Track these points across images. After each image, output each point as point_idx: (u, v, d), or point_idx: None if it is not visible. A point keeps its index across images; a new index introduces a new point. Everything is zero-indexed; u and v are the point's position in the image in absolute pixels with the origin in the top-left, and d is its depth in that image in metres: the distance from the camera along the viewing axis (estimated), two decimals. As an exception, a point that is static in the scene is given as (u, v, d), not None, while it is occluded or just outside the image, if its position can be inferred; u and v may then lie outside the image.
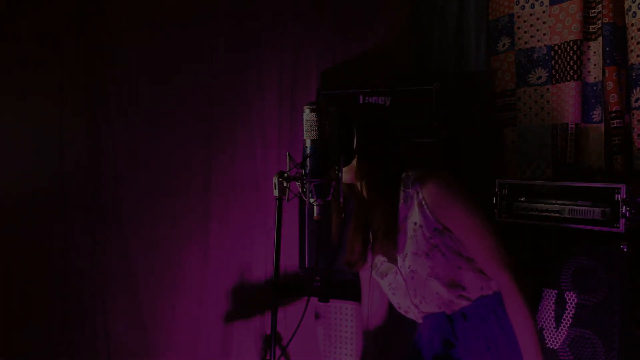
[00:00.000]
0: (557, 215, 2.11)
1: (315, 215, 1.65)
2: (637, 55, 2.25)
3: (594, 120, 2.40)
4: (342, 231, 1.78)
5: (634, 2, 2.25)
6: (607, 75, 2.33)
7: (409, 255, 1.76)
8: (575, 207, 2.07)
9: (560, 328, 2.01)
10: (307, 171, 1.62)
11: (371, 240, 1.84)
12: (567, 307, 1.99)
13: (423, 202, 1.72)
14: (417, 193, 1.73)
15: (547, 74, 2.53)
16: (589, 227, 2.01)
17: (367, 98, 2.46)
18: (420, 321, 1.89)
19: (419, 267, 1.75)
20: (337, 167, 1.65)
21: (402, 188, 1.76)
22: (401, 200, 1.76)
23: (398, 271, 1.81)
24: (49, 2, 2.23)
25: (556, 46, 2.48)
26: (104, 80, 2.35)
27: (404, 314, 1.90)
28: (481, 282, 1.77)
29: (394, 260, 1.81)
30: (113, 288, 2.40)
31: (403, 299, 1.84)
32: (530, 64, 2.57)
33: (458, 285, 1.76)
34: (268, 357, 1.71)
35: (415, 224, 1.74)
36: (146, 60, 2.43)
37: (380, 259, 1.84)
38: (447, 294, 1.77)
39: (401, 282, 1.81)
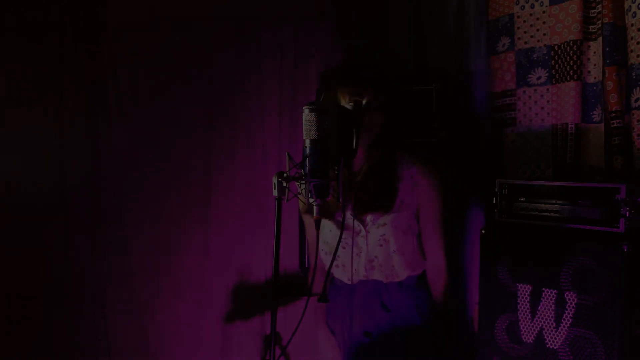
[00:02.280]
0: (557, 215, 2.11)
1: (315, 215, 1.65)
2: (637, 55, 2.25)
3: (594, 120, 2.40)
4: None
5: (634, 2, 2.24)
6: (607, 75, 2.33)
7: (387, 225, 1.90)
8: (575, 207, 2.07)
9: (560, 328, 2.01)
10: (307, 171, 1.62)
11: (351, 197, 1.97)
12: (567, 307, 1.99)
13: (415, 186, 1.90)
14: (412, 176, 1.91)
15: (547, 74, 2.53)
16: (589, 227, 2.01)
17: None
18: (350, 283, 2.02)
19: (392, 239, 1.91)
20: (336, 167, 1.66)
21: (398, 166, 1.94)
22: (398, 177, 1.93)
23: (365, 234, 1.93)
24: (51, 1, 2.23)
25: (556, 46, 2.48)
26: (104, 80, 2.35)
27: (332, 269, 2.02)
28: (418, 263, 2.00)
29: (362, 222, 1.94)
30: (113, 288, 2.40)
31: (348, 261, 1.99)
32: (530, 64, 2.57)
33: (414, 266, 1.97)
34: (268, 357, 1.71)
35: (402, 202, 1.90)
36: (147, 60, 2.43)
37: (349, 215, 1.97)
38: (401, 270, 1.95)
39: (363, 245, 1.94)
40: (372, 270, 1.97)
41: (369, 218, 1.94)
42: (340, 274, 2.03)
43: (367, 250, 1.94)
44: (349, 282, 2.02)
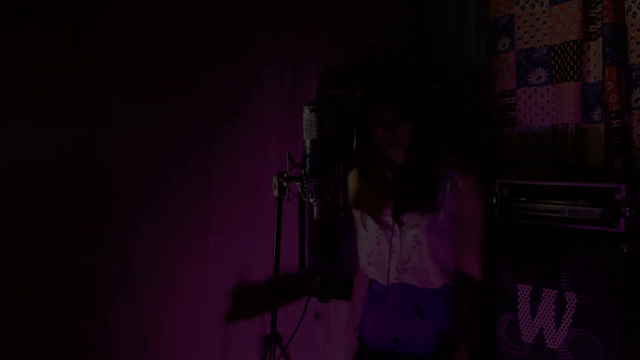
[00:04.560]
0: (557, 215, 2.11)
1: (315, 215, 1.65)
2: (637, 55, 2.25)
3: (594, 120, 2.40)
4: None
5: (634, 2, 2.24)
6: (607, 75, 2.33)
7: (421, 226, 1.82)
8: (575, 207, 2.06)
9: (560, 328, 2.01)
10: (307, 171, 1.62)
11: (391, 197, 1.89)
12: (567, 307, 1.99)
13: (455, 189, 1.81)
14: (452, 178, 1.82)
15: (547, 74, 2.53)
16: (589, 227, 2.01)
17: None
18: (385, 284, 1.93)
19: (426, 241, 1.83)
20: (336, 167, 1.66)
21: (439, 166, 1.85)
22: (438, 178, 1.84)
23: (400, 234, 1.86)
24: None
25: (556, 46, 2.48)
26: (105, 80, 2.35)
27: (366, 267, 1.95)
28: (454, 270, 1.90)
29: (399, 222, 1.86)
30: (113, 289, 2.40)
31: (381, 260, 1.90)
32: (530, 64, 2.57)
33: (449, 273, 1.86)
34: (268, 357, 1.71)
35: (439, 204, 1.82)
36: (147, 60, 2.43)
37: (388, 214, 1.89)
38: (435, 277, 1.85)
39: (397, 245, 1.87)
40: (404, 273, 1.89)
41: (405, 218, 1.87)
42: (373, 272, 1.96)
43: (400, 251, 1.87)
44: (383, 283, 1.94)
